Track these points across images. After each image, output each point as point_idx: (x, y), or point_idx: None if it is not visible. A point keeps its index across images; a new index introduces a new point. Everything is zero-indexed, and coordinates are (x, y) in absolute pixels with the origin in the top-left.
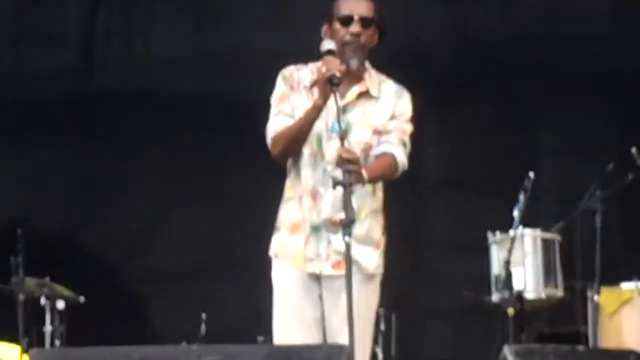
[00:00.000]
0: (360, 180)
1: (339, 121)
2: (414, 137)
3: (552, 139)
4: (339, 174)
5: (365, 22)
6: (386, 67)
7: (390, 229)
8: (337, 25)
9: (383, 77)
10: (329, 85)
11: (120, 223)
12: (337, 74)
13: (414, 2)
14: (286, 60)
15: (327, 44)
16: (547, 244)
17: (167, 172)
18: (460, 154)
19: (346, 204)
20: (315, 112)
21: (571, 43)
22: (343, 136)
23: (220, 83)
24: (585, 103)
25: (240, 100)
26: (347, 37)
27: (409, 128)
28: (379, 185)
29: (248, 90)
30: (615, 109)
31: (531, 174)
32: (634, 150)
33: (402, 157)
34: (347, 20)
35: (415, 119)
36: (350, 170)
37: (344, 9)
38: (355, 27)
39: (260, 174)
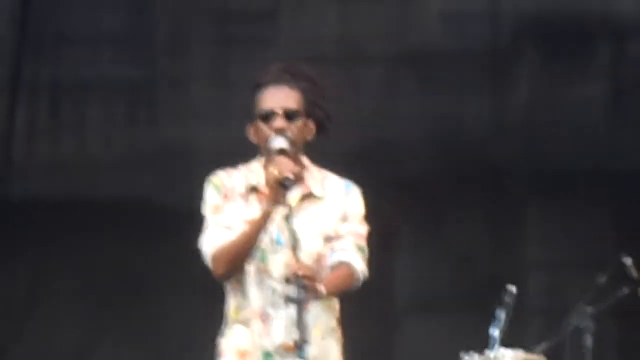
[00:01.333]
0: (317, 296)
1: (291, 230)
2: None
3: (538, 249)
4: (291, 290)
5: (290, 114)
6: (351, 166)
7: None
8: (260, 122)
9: (325, 173)
10: (281, 189)
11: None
12: (290, 177)
13: (386, 93)
14: (232, 158)
15: (278, 142)
16: None
17: (97, 295)
18: (436, 268)
19: (300, 323)
20: (264, 221)
21: (564, 139)
22: (294, 247)
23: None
24: (575, 207)
25: (183, 206)
26: (269, 134)
27: (363, 229)
28: (335, 300)
29: (190, 194)
30: (609, 213)
31: (512, 288)
32: (628, 261)
33: (361, 266)
34: (268, 116)
35: (385, 228)
36: (306, 286)
37: (264, 104)
38: (278, 122)
39: (202, 294)
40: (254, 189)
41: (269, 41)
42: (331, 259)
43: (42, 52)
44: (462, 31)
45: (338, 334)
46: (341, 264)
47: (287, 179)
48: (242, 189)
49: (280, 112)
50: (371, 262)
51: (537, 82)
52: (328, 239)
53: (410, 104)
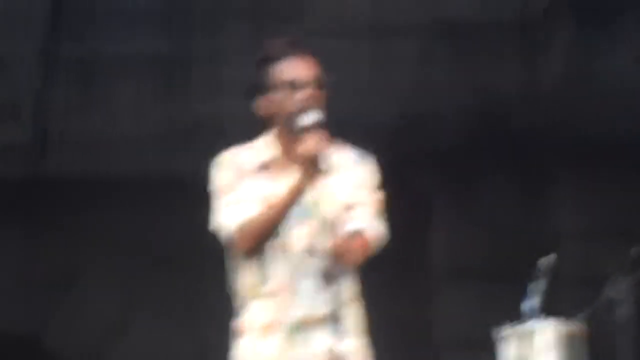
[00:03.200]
0: (349, 269)
1: (315, 203)
2: (419, 221)
3: (573, 219)
4: (322, 264)
5: (318, 84)
6: (385, 138)
7: (397, 323)
8: (282, 93)
9: (338, 145)
10: (314, 165)
11: (79, 328)
12: (321, 152)
13: (419, 66)
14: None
15: (313, 116)
16: (571, 338)
17: (131, 269)
18: (472, 238)
19: (335, 299)
20: (295, 196)
21: (598, 109)
22: (325, 223)
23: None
24: (610, 177)
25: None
26: (298, 105)
27: (378, 197)
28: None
29: None
30: None
31: (550, 259)
32: None
33: (380, 231)
34: (296, 85)
35: (420, 199)
36: (338, 260)
37: (289, 73)
38: (307, 92)
39: None
40: (264, 166)
41: (303, 15)
42: (349, 227)
43: (76, 28)
44: (495, 3)
45: (360, 303)
46: (361, 231)
47: (319, 155)
48: (251, 166)
49: (307, 82)
50: (406, 233)
51: (571, 52)
52: (346, 208)
53: (444, 76)
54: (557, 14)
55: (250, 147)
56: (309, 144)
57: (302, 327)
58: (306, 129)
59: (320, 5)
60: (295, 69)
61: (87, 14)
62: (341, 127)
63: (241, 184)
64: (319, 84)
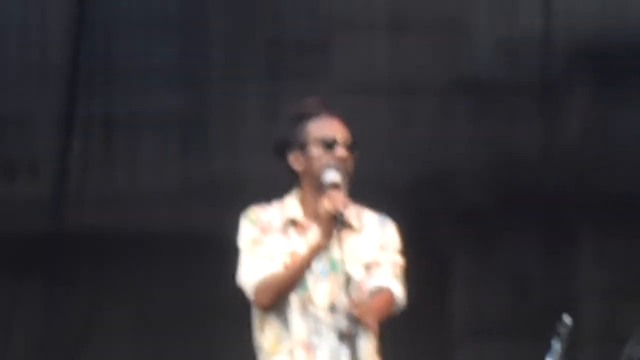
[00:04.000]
0: (370, 329)
1: (343, 263)
2: (439, 279)
3: (593, 276)
4: (344, 325)
5: (349, 146)
6: (405, 197)
7: None
8: (316, 151)
9: (360, 208)
10: (333, 223)
11: None
12: (343, 210)
13: (438, 124)
14: (284, 191)
15: (331, 176)
16: None
17: (150, 324)
18: (490, 295)
19: (354, 357)
20: (314, 254)
21: (617, 166)
22: (347, 282)
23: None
24: (630, 233)
25: (234, 238)
26: (332, 163)
27: (400, 260)
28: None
29: None
30: None
31: (566, 319)
32: None
33: (399, 292)
34: (330, 145)
35: (440, 257)
36: (359, 321)
37: (324, 132)
38: (341, 151)
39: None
40: (292, 222)
41: (321, 74)
42: (369, 285)
43: (95, 85)
44: (514, 61)
45: (378, 357)
46: (381, 290)
47: (340, 213)
48: (278, 222)
49: (341, 141)
50: (426, 291)
51: (589, 110)
52: (367, 267)
53: (463, 134)
54: (577, 72)
55: (279, 202)
56: (330, 201)
57: None
58: (327, 187)
59: (339, 63)
60: (330, 129)
61: (105, 71)
62: (360, 184)
63: (267, 239)
64: (350, 145)
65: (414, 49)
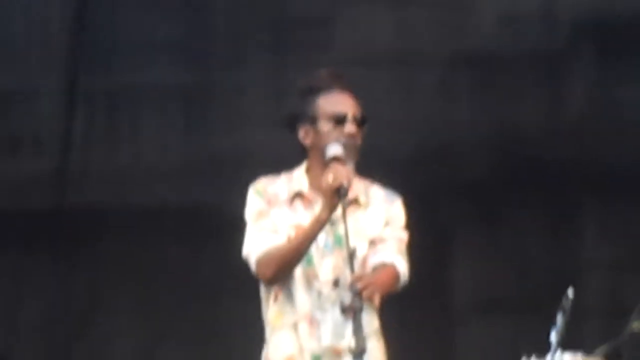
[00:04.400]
0: (372, 303)
1: (347, 237)
2: (442, 254)
3: (597, 250)
4: (346, 298)
5: (360, 121)
6: (407, 170)
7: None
8: (325, 126)
9: (368, 182)
10: (335, 196)
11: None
12: (345, 184)
13: (441, 97)
14: (288, 165)
15: (334, 149)
16: None
17: (155, 300)
18: (493, 271)
19: (357, 332)
20: (318, 227)
21: (621, 140)
22: (351, 255)
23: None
24: (633, 207)
25: (237, 213)
26: (342, 139)
27: (405, 236)
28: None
29: (245, 201)
30: None
31: (569, 293)
32: None
33: (403, 268)
34: (340, 120)
35: (442, 232)
36: (362, 294)
37: (335, 107)
38: (350, 127)
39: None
40: (298, 195)
41: (325, 47)
42: (373, 260)
43: (97, 60)
44: (517, 34)
45: (381, 334)
46: (384, 265)
47: (342, 186)
48: (285, 195)
49: (352, 117)
50: (429, 266)
51: (593, 83)
52: (372, 243)
53: (466, 107)
54: (580, 45)
55: (287, 175)
56: (333, 174)
57: (324, 358)
58: (330, 160)
59: (342, 37)
60: (341, 104)
61: (108, 46)
62: (362, 157)
63: (273, 211)
64: (361, 119)
65: (417, 22)
